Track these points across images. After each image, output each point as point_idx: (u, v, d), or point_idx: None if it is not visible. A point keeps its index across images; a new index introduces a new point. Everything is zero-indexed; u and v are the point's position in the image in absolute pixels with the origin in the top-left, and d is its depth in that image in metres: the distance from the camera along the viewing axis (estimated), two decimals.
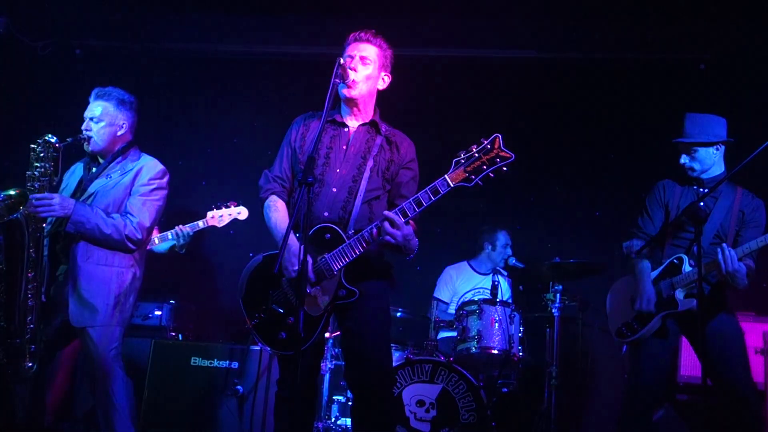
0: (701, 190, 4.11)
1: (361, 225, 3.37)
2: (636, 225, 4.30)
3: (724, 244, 3.85)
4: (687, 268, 3.99)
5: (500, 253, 6.16)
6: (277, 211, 3.50)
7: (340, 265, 3.30)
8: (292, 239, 3.29)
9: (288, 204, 3.56)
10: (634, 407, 4.07)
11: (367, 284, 3.38)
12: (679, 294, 3.98)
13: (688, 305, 3.95)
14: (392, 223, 3.18)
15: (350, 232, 3.35)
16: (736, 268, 3.76)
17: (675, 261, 4.06)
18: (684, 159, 4.14)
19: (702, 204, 3.92)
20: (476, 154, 3.22)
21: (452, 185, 3.22)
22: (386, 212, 3.21)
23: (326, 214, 3.40)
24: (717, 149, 4.11)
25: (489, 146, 3.22)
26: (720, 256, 3.79)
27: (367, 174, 3.45)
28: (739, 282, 3.81)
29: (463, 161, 3.22)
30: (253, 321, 3.40)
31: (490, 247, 6.21)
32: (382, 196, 3.52)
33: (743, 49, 6.18)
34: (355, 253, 3.28)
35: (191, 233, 5.17)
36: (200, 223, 5.21)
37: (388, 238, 3.19)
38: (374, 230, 3.25)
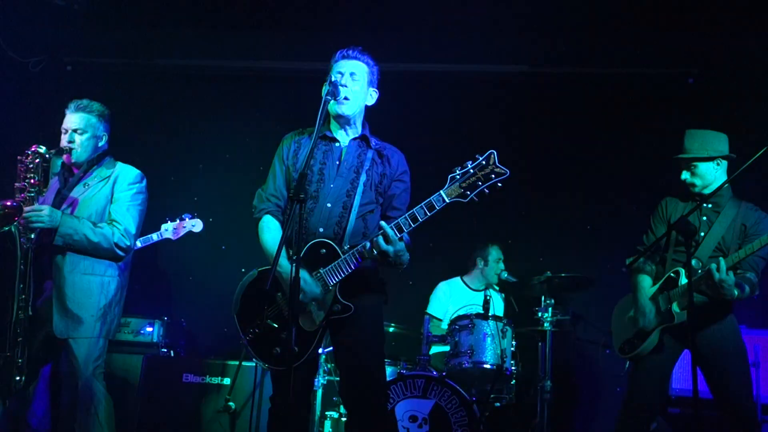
0: (704, 206, 4.12)
1: (356, 240, 3.38)
2: (641, 243, 4.34)
3: (720, 258, 3.85)
4: (683, 281, 3.99)
5: (493, 268, 6.17)
6: (270, 231, 3.51)
7: (335, 280, 3.31)
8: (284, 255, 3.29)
9: (282, 222, 3.56)
10: (630, 422, 4.07)
11: (362, 299, 3.38)
12: (676, 307, 3.99)
13: (683, 318, 3.95)
14: (386, 239, 3.19)
15: (345, 247, 3.36)
16: (723, 278, 3.76)
17: (672, 275, 4.07)
18: (685, 175, 4.16)
19: (692, 218, 3.96)
20: (471, 170, 3.24)
21: (447, 200, 3.24)
22: (382, 223, 3.23)
23: (321, 230, 3.41)
24: (718, 164, 4.12)
25: (484, 162, 3.25)
26: (714, 265, 3.80)
27: (360, 188, 3.46)
28: (726, 292, 3.80)
29: (458, 177, 3.25)
30: (247, 336, 3.39)
31: (482, 262, 6.22)
32: (375, 210, 3.53)
33: (732, 62, 6.23)
34: (351, 268, 3.29)
35: (141, 246, 5.14)
36: (154, 236, 5.20)
37: (381, 252, 3.20)
38: (368, 244, 3.26)
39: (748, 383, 4.01)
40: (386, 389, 3.57)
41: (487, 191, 3.24)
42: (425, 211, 3.24)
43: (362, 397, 3.35)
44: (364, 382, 3.35)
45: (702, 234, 4.07)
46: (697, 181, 4.14)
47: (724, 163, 4.16)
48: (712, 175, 4.12)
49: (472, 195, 3.23)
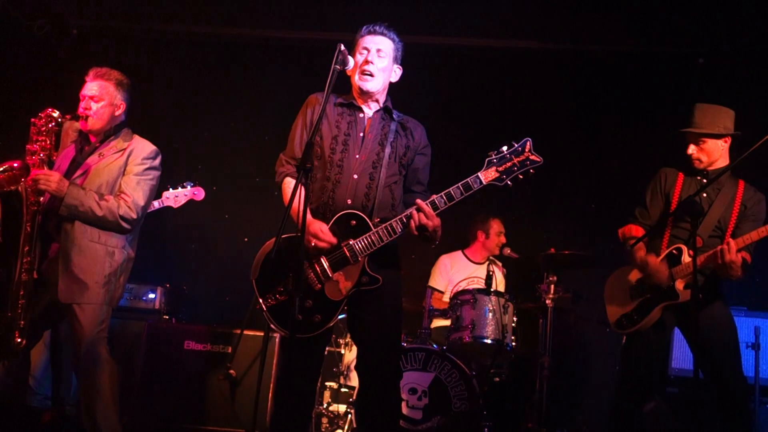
0: (703, 182, 4.08)
1: (384, 212, 3.41)
2: (632, 214, 4.29)
3: (730, 239, 3.84)
4: (686, 258, 3.97)
5: (494, 240, 6.17)
6: (292, 192, 3.49)
7: (366, 252, 3.32)
8: (311, 218, 3.30)
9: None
10: (626, 399, 4.08)
11: (386, 273, 3.40)
12: (679, 285, 3.98)
13: (688, 297, 3.93)
14: (426, 215, 3.25)
15: (375, 220, 3.38)
16: (733, 259, 3.76)
17: (674, 251, 4.05)
18: (692, 149, 4.10)
19: (698, 198, 3.93)
20: (508, 155, 3.33)
21: (484, 183, 3.31)
22: (419, 202, 3.28)
23: (349, 201, 3.41)
24: (725, 142, 4.10)
25: (520, 149, 3.34)
26: (725, 246, 3.79)
27: (386, 160, 3.47)
28: (734, 273, 3.81)
29: (495, 161, 3.32)
30: (267, 301, 3.38)
31: (484, 235, 6.22)
32: (399, 182, 3.55)
33: (742, 42, 6.18)
34: (383, 241, 3.32)
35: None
36: (155, 203, 5.19)
37: (421, 227, 3.26)
38: (404, 219, 3.29)
39: (736, 362, 4.00)
40: (399, 366, 3.58)
41: (521, 177, 3.32)
42: (462, 191, 3.30)
43: (377, 372, 3.39)
44: (382, 356, 3.39)
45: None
46: (704, 157, 4.09)
47: (729, 140, 4.13)
48: (718, 152, 4.09)
49: (507, 179, 3.31)
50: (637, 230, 4.19)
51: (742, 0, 5.83)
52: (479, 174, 3.31)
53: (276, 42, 6.91)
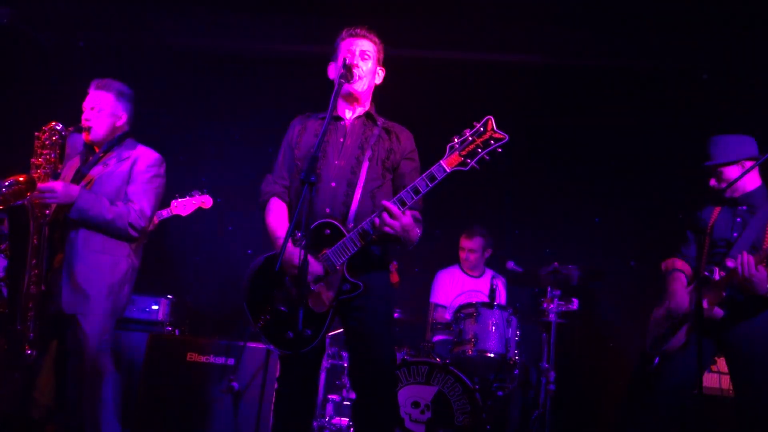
0: (739, 208, 4.11)
1: (364, 218, 3.32)
2: (678, 251, 4.32)
3: (744, 251, 3.85)
4: (716, 276, 3.96)
5: (462, 255, 6.21)
6: (275, 214, 3.49)
7: (342, 259, 3.27)
8: (291, 247, 3.25)
9: (288, 204, 3.55)
10: (652, 422, 4.04)
11: (369, 277, 3.35)
12: (706, 304, 3.94)
13: (712, 314, 3.92)
14: (390, 214, 3.15)
15: (350, 226, 3.32)
16: (752, 273, 3.76)
17: (707, 273, 4.05)
18: (713, 181, 4.17)
19: (728, 222, 4.01)
20: (470, 138, 3.20)
21: (448, 170, 3.20)
22: (384, 201, 3.19)
23: (328, 210, 3.36)
24: (743, 166, 4.11)
25: (482, 129, 3.21)
26: (738, 261, 3.80)
27: (366, 164, 3.41)
28: (757, 288, 3.79)
29: (457, 146, 3.21)
30: (258, 323, 3.37)
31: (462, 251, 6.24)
32: (384, 186, 3.47)
33: (746, 59, 6.19)
34: (357, 246, 3.26)
35: (155, 222, 5.16)
36: (164, 212, 5.22)
37: (387, 228, 3.16)
38: (376, 221, 3.22)
39: None
40: (395, 375, 3.54)
41: (487, 158, 3.20)
42: (426, 183, 3.20)
43: (371, 383, 3.34)
44: (373, 368, 3.34)
45: (735, 234, 4.06)
46: (725, 186, 4.13)
47: (750, 163, 4.13)
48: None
49: (472, 163, 3.19)
50: (681, 264, 4.24)
51: (747, 16, 5.84)
52: (441, 162, 3.20)
53: (280, 55, 6.94)
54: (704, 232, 3.81)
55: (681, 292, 4.11)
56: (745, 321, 3.95)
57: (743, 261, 3.78)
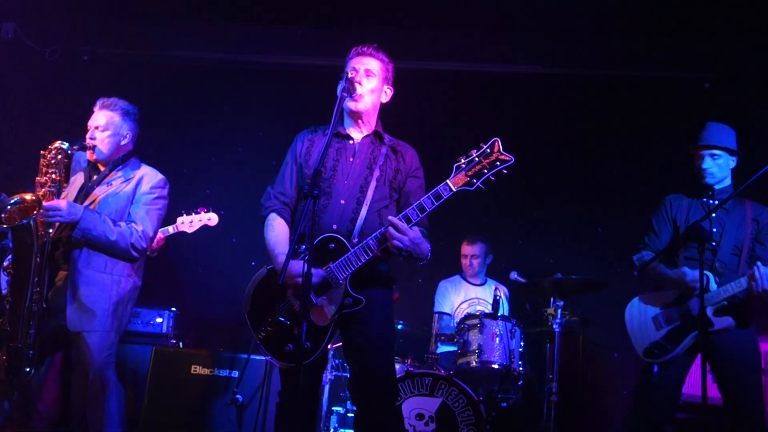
0: (711, 201, 4.09)
1: (369, 234, 3.34)
2: (642, 242, 4.28)
3: (759, 263, 3.82)
4: (713, 285, 3.93)
5: (464, 263, 6.23)
6: (274, 230, 3.50)
7: (345, 274, 3.30)
8: (293, 261, 3.25)
9: (290, 220, 3.56)
10: (644, 426, 4.02)
11: (371, 292, 3.37)
12: (710, 312, 3.92)
13: (725, 324, 3.91)
14: (396, 229, 3.19)
15: (354, 241, 3.35)
16: (766, 288, 3.75)
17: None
18: (707, 163, 4.10)
19: (708, 220, 3.93)
20: (476, 158, 3.27)
21: (454, 189, 3.26)
22: (390, 218, 3.23)
23: (335, 226, 3.39)
24: (733, 160, 4.13)
25: (489, 150, 3.27)
26: (756, 273, 3.78)
27: (374, 183, 3.45)
28: None
29: (464, 166, 3.27)
30: (259, 335, 3.38)
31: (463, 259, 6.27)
32: (390, 206, 3.52)
33: (748, 68, 6.21)
34: (360, 261, 3.29)
35: (162, 238, 5.18)
36: (170, 229, 5.23)
37: (395, 242, 3.19)
38: (380, 236, 3.25)
39: (759, 391, 3.96)
40: (396, 387, 3.54)
41: (493, 179, 3.26)
42: (432, 201, 3.26)
43: (372, 395, 3.34)
44: (373, 380, 3.34)
45: (715, 230, 4.03)
46: (716, 172, 4.10)
47: (736, 159, 4.16)
48: (727, 169, 4.12)
49: (478, 183, 3.25)
50: (649, 257, 4.19)
51: (749, 25, 5.86)
52: (448, 181, 3.26)
53: (284, 68, 6.98)
54: (706, 242, 3.78)
55: (679, 270, 4.02)
56: (733, 330, 3.94)
57: (763, 274, 3.76)
